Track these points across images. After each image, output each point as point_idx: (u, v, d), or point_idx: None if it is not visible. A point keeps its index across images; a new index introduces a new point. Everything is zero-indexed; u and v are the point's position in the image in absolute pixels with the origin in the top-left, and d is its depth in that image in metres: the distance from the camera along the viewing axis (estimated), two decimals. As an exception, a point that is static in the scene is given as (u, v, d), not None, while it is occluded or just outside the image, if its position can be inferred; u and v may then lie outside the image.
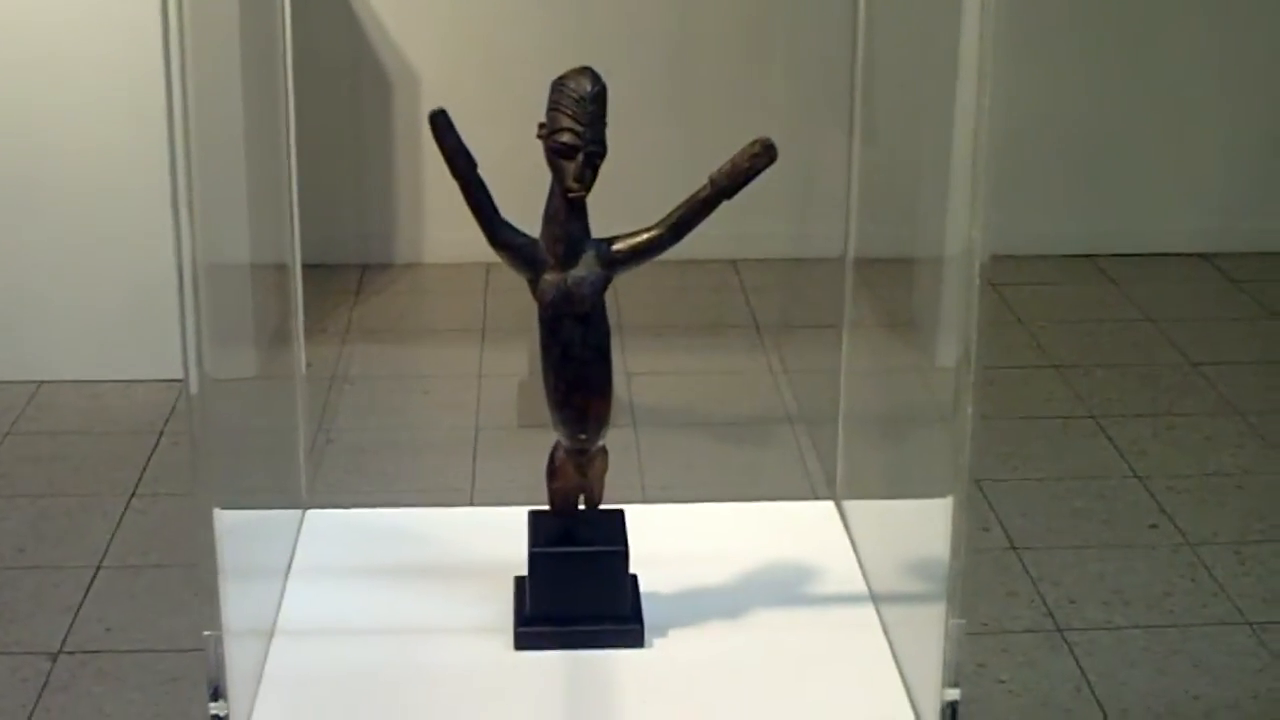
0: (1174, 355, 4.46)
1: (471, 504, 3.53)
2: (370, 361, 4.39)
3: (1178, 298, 4.87)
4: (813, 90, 4.47)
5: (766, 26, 4.92)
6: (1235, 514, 3.62)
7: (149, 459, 3.83)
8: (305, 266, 2.25)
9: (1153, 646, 3.13)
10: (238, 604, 1.71)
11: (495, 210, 1.81)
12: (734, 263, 4.96)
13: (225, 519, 1.66)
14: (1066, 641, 3.13)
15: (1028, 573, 3.36)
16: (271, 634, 1.94)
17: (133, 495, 3.66)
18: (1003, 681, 3.01)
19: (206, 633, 1.66)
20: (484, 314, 4.64)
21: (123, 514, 3.58)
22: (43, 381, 4.21)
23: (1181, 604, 3.27)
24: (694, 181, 1.85)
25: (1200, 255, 5.18)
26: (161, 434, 3.95)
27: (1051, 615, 3.21)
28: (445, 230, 4.95)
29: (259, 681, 1.85)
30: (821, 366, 4.14)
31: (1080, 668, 3.05)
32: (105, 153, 4.09)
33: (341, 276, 4.85)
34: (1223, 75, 5.16)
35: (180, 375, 4.12)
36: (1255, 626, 3.19)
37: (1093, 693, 2.98)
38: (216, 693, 1.70)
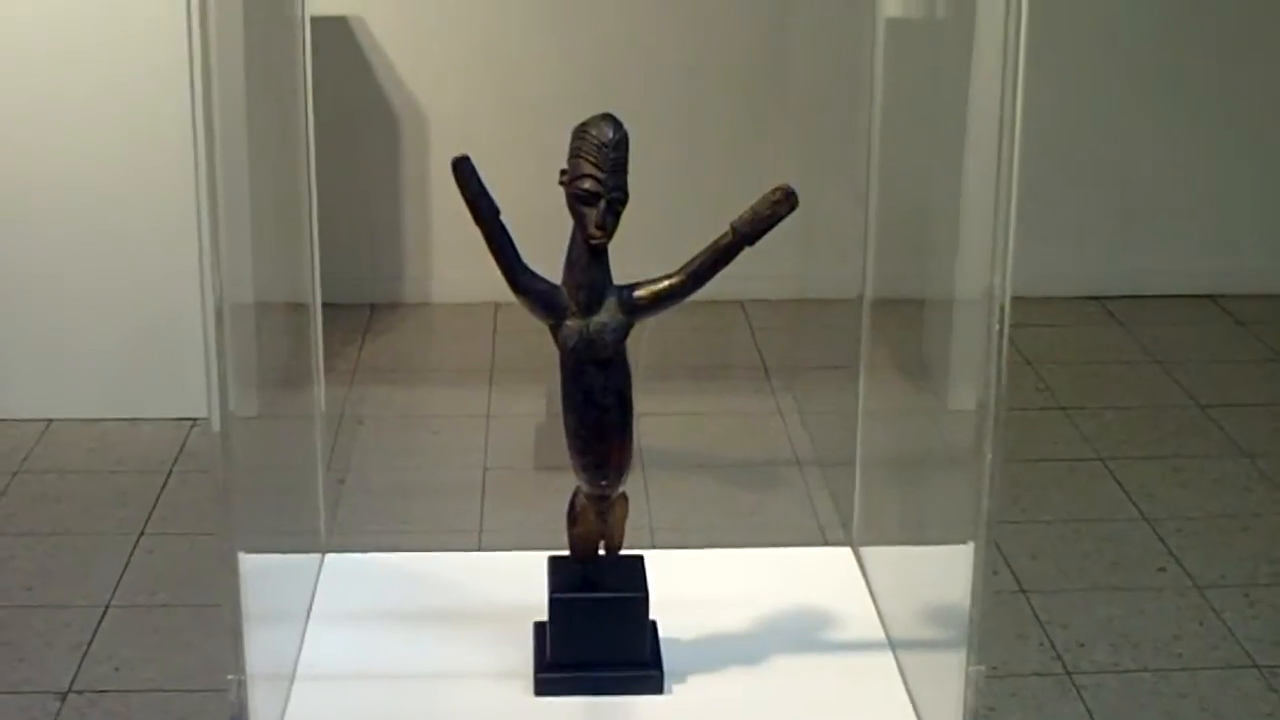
0: (1181, 397, 4.47)
1: (480, 546, 3.53)
2: (379, 401, 4.40)
3: (1185, 339, 4.88)
4: (828, 133, 4.50)
5: (784, 71, 4.94)
6: (1243, 556, 3.62)
7: (157, 498, 3.83)
8: (294, 306, 2.26)
9: (1161, 690, 3.12)
10: (260, 647, 1.71)
11: (518, 256, 1.82)
12: (742, 304, 4.97)
13: (248, 562, 1.66)
14: (1075, 685, 3.13)
15: (1036, 616, 3.36)
16: (293, 678, 1.94)
17: (141, 534, 3.66)
18: (1012, 726, 3.02)
19: (230, 676, 1.66)
20: (492, 354, 4.64)
21: (131, 553, 3.58)
22: (51, 420, 4.21)
23: (1190, 647, 3.27)
24: (712, 227, 1.86)
25: (1207, 297, 5.19)
26: (170, 473, 3.95)
27: (1060, 658, 3.21)
28: (454, 270, 4.96)
29: (280, 725, 1.86)
30: (831, 409, 4.16)
31: (1089, 711, 3.05)
32: (113, 193, 4.10)
33: (350, 316, 4.86)
34: (1229, 117, 5.17)
35: (188, 414, 4.09)
36: (1264, 670, 3.18)
37: (1102, 736, 2.98)
38: (238, 737, 1.70)
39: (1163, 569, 3.56)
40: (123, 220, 4.11)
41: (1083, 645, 3.26)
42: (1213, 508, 3.85)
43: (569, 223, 1.81)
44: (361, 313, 4.95)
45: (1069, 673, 3.17)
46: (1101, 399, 4.46)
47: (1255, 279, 5.22)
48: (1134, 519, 3.78)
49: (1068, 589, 3.47)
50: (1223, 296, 5.18)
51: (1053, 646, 3.25)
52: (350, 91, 4.87)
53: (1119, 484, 3.95)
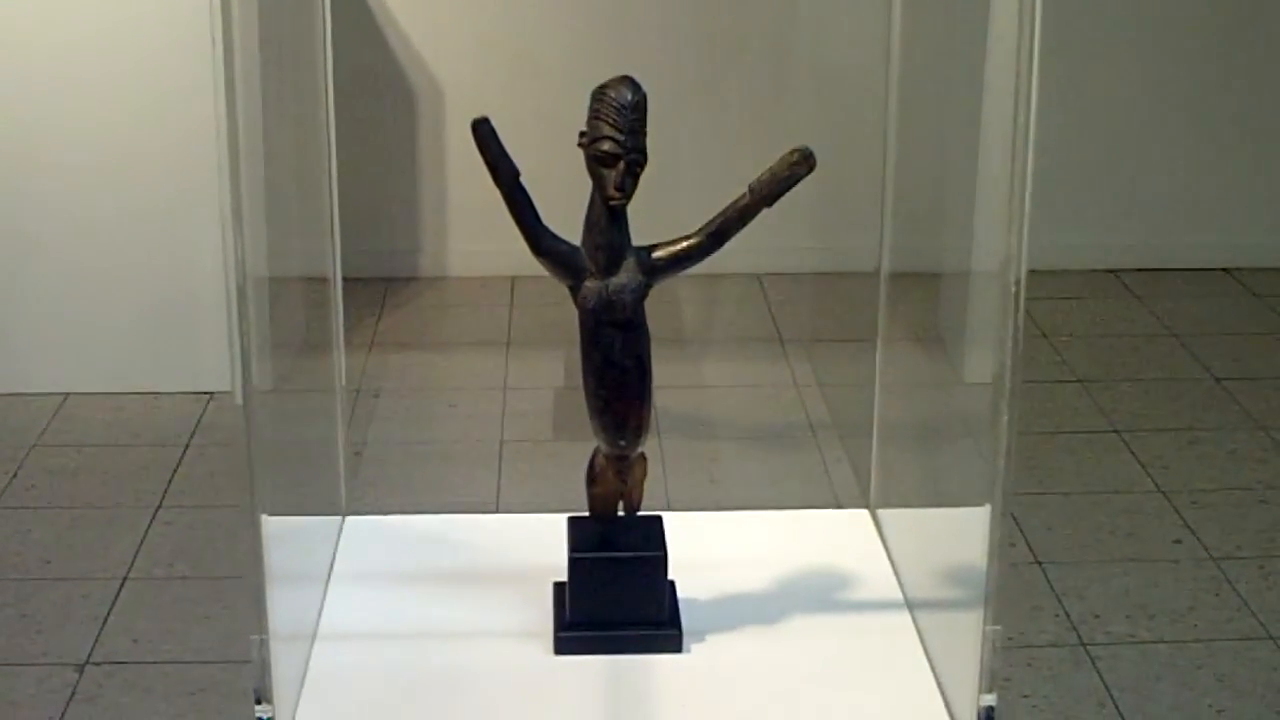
0: (1197, 370, 4.46)
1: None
2: (396, 374, 4.40)
3: (1201, 312, 4.87)
4: (845, 103, 4.50)
5: (801, 35, 4.93)
6: (1259, 528, 3.62)
7: (174, 471, 3.84)
8: (314, 279, 2.27)
9: (1177, 661, 3.12)
10: (282, 608, 1.72)
11: (538, 218, 1.82)
12: (759, 277, 4.97)
13: (270, 525, 1.67)
14: (1090, 656, 3.13)
15: (1052, 587, 3.36)
16: (314, 638, 1.95)
17: (159, 507, 3.67)
18: (1027, 696, 3.01)
19: (253, 636, 1.67)
20: (509, 327, 4.64)
21: (149, 526, 3.58)
22: (69, 393, 4.22)
23: (1205, 618, 3.27)
24: (730, 189, 1.86)
25: (1223, 270, 5.18)
26: (187, 446, 3.95)
27: (1076, 630, 3.21)
28: (470, 244, 4.96)
29: (301, 685, 1.86)
30: (846, 379, 4.15)
31: (1104, 682, 3.05)
32: (130, 167, 4.10)
33: (367, 290, 4.86)
34: (1244, 90, 5.16)
35: (205, 388, 4.10)
36: (1279, 641, 3.18)
37: (1117, 707, 2.98)
38: (261, 696, 1.70)
39: (1178, 541, 3.56)
40: (140, 194, 4.11)
41: (1098, 616, 3.27)
42: (1228, 480, 3.84)
43: (585, 187, 1.82)
44: (378, 287, 4.94)
45: (1084, 644, 3.17)
46: (1117, 372, 4.46)
47: (1271, 252, 5.21)
48: (1150, 491, 3.78)
49: (1083, 560, 3.47)
50: (1238, 269, 5.17)
51: (1068, 617, 3.26)
52: (365, 65, 4.86)
53: (1135, 456, 3.95)
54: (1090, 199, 5.17)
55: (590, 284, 1.83)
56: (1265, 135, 5.20)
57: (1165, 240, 5.20)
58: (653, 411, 1.89)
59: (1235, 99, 5.17)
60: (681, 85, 4.78)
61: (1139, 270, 5.17)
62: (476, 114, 1.79)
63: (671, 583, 1.96)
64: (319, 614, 2.00)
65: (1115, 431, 4.08)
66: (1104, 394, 4.31)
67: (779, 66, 4.95)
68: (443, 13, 4.91)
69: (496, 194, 1.81)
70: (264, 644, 1.68)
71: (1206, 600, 3.33)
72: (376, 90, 4.93)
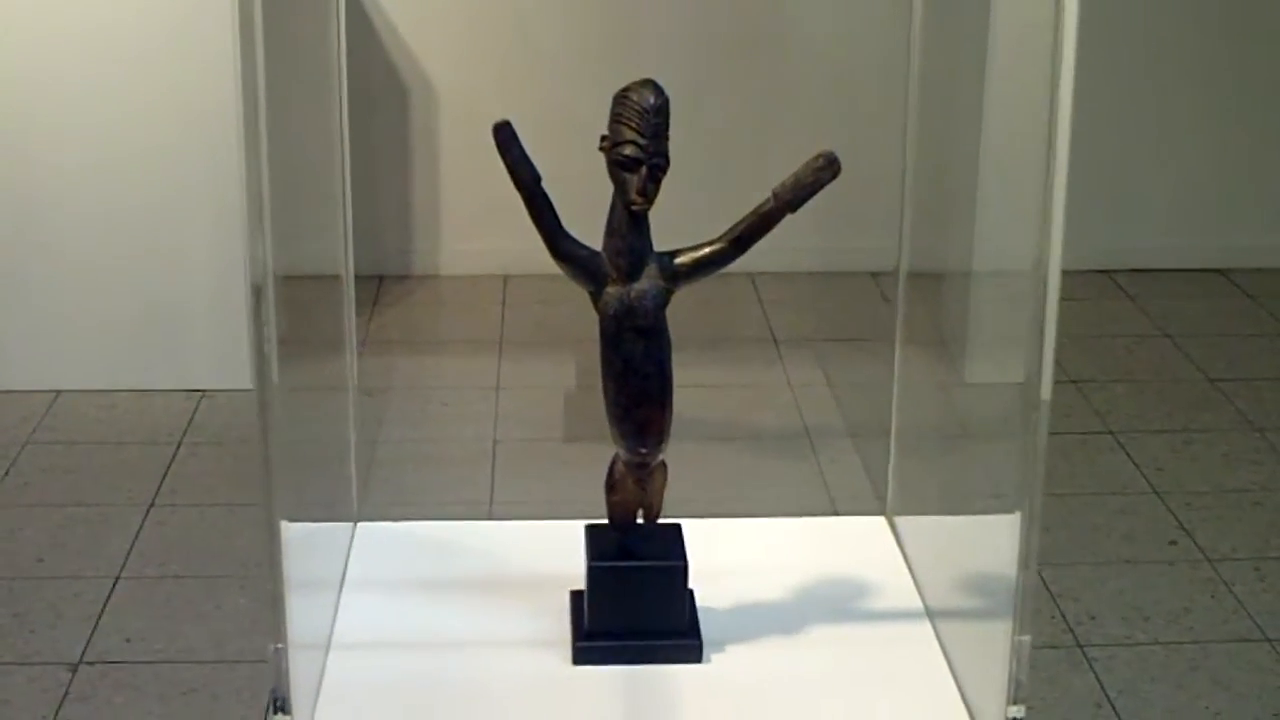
0: (1191, 371, 4.47)
1: (490, 517, 3.51)
2: (387, 374, 4.38)
3: (1194, 313, 4.87)
4: (854, 104, 4.50)
5: (819, 37, 4.91)
6: (1254, 530, 3.62)
7: (167, 469, 3.82)
8: (323, 278, 2.25)
9: (1173, 663, 3.13)
10: (298, 616, 1.70)
11: (558, 222, 1.81)
12: (751, 276, 4.95)
13: (286, 531, 1.66)
14: (1086, 658, 3.13)
15: (1048, 589, 3.36)
16: (328, 646, 1.93)
17: (151, 506, 3.65)
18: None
19: (273, 645, 1.65)
20: (501, 326, 4.62)
21: (141, 524, 3.57)
22: (60, 391, 4.20)
23: (1201, 620, 3.27)
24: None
25: (1216, 270, 5.18)
26: (179, 445, 3.93)
27: (1071, 631, 3.21)
28: (463, 242, 4.93)
29: (318, 694, 1.85)
30: (850, 381, 4.13)
31: (1100, 684, 3.05)
32: (122, 165, 4.08)
33: (359, 288, 4.81)
34: (1239, 91, 5.16)
35: (197, 386, 4.08)
36: (1275, 643, 3.19)
37: (1113, 709, 2.98)
38: (279, 706, 1.68)
39: (1174, 542, 3.56)
40: (132, 193, 4.09)
41: (1094, 618, 3.27)
42: (1223, 481, 3.85)
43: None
44: (370, 285, 4.92)
45: (1080, 645, 3.17)
46: (1112, 372, 4.46)
47: (1265, 253, 5.21)
48: (1145, 492, 3.78)
49: (1079, 562, 3.47)
50: (1232, 270, 5.18)
51: (1064, 619, 3.25)
52: (359, 62, 4.82)
53: (1129, 457, 3.95)
54: (1084, 199, 5.15)
55: (611, 289, 1.82)
56: (1260, 136, 5.20)
57: (1159, 241, 5.21)
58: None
59: (1230, 99, 5.17)
60: (693, 86, 4.75)
61: (1132, 271, 5.16)
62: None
63: (690, 591, 1.95)
64: (333, 622, 1.98)
65: (1110, 433, 4.08)
66: (1098, 395, 4.31)
67: (787, 65, 4.93)
68: (436, 9, 4.88)
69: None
70: (283, 653, 1.66)
71: (1202, 602, 3.33)
72: (370, 87, 4.90)
